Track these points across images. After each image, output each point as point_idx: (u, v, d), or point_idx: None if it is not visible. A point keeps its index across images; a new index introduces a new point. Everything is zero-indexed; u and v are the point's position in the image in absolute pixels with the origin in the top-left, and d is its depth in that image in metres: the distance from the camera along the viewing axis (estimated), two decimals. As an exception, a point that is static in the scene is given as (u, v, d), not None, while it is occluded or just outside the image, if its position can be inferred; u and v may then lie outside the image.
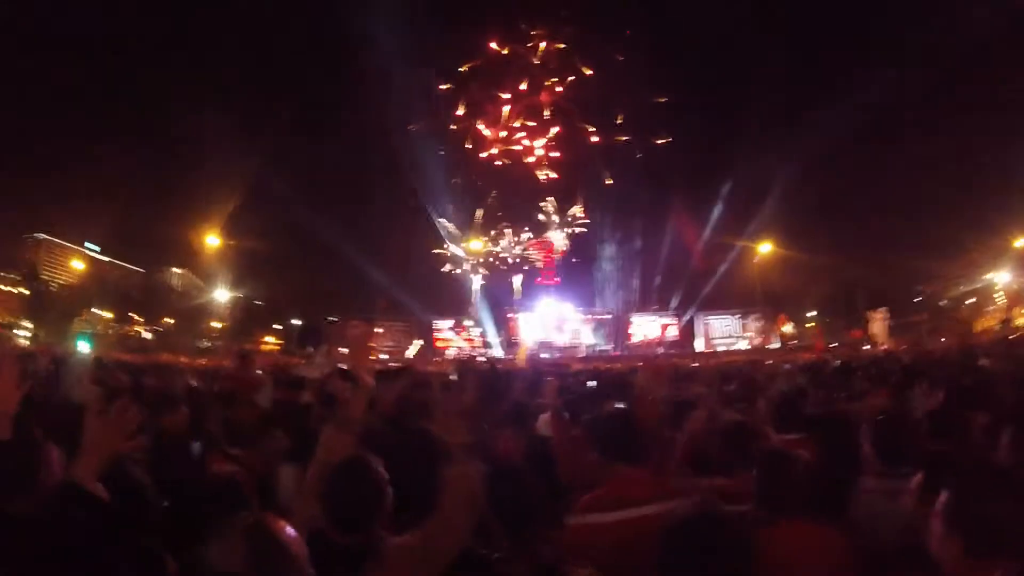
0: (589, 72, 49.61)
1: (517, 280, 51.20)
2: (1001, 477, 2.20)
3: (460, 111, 50.55)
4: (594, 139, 50.43)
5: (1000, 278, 44.24)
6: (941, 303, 48.22)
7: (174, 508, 3.19)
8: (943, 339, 28.35)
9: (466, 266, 50.67)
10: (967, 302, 47.57)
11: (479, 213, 50.14)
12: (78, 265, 64.88)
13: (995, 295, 45.52)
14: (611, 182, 49.54)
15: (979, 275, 45.26)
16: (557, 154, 50.56)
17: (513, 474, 2.80)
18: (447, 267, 50.37)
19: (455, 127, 50.25)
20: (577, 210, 50.85)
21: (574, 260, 51.77)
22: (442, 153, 48.93)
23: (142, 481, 3.41)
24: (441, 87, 49.81)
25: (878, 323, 28.02)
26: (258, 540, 1.87)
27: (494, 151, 50.66)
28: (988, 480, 2.17)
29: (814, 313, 48.73)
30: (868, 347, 21.74)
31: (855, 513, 3.33)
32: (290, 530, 1.93)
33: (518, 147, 51.06)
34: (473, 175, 50.41)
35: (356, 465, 2.61)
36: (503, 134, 50.75)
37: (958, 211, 40.45)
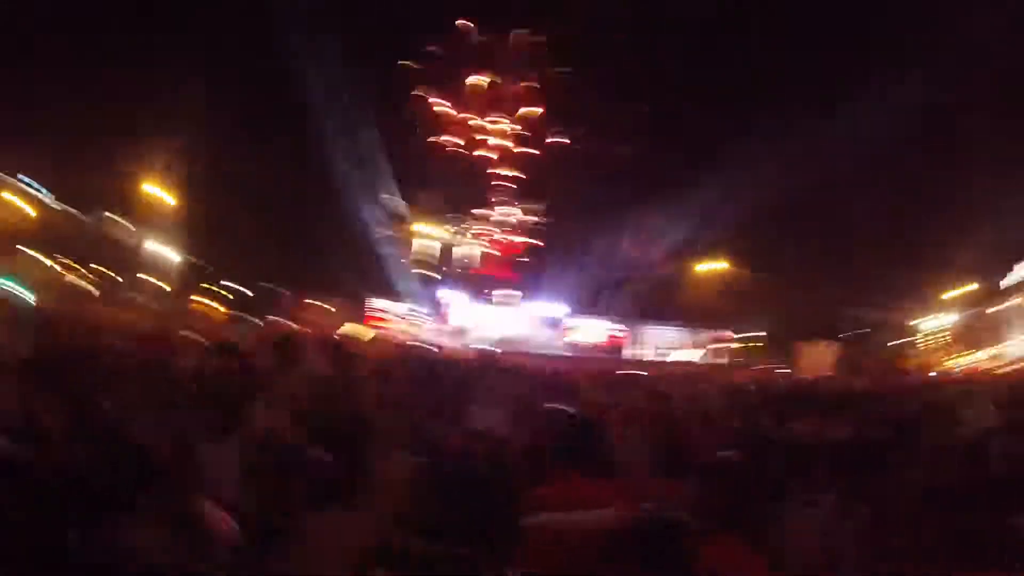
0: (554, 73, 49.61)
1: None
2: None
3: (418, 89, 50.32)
4: (556, 139, 50.57)
5: (926, 325, 45.80)
6: (871, 339, 49.46)
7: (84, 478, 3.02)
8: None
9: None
10: (894, 342, 48.89)
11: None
12: (11, 199, 62.46)
13: (919, 337, 46.96)
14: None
15: (912, 318, 46.76)
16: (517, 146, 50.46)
17: (471, 471, 2.75)
18: (386, 243, 49.97)
19: (414, 107, 49.74)
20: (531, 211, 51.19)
21: (525, 257, 51.81)
22: (408, 126, 48.50)
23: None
24: (404, 62, 49.16)
25: (818, 353, 28.59)
26: (186, 526, 1.77)
27: (453, 139, 50.40)
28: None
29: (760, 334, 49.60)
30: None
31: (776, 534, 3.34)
32: (218, 513, 1.84)
33: (479, 135, 50.90)
34: (430, 155, 50.08)
35: (286, 448, 2.52)
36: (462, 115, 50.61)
37: (904, 252, 41.67)
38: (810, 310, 45.31)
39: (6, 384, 3.98)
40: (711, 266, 47.17)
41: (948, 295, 44.72)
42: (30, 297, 20.74)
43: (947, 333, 45.10)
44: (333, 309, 47.80)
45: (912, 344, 46.97)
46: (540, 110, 51.41)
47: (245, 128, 44.98)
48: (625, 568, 1.94)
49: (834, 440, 4.65)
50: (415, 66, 50.11)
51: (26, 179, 64.72)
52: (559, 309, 49.22)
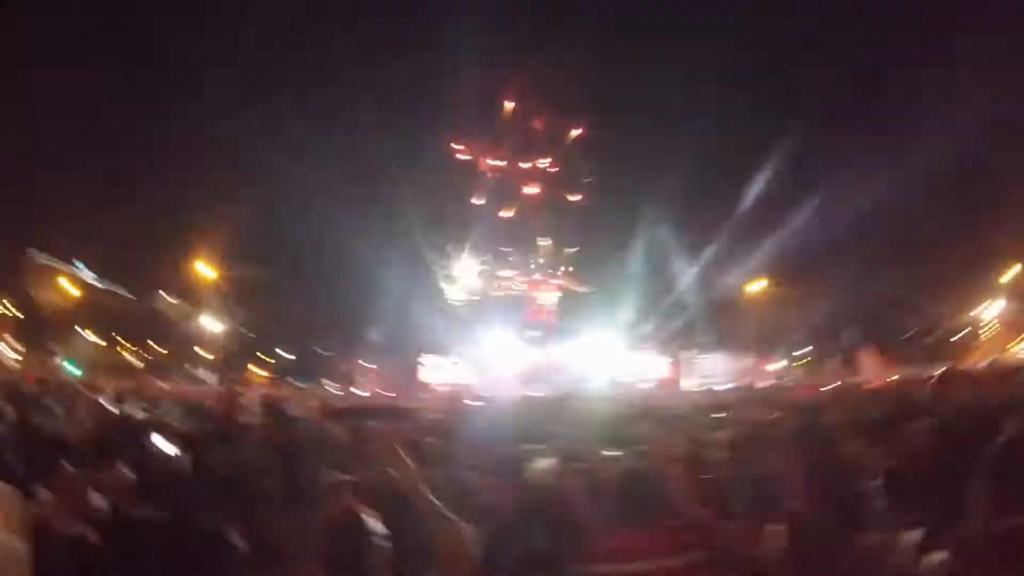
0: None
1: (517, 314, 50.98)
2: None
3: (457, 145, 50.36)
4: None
5: (987, 313, 44.53)
6: (929, 340, 48.33)
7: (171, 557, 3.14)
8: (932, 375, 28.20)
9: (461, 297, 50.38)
10: (957, 337, 47.68)
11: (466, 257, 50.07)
12: (68, 287, 64.40)
13: (982, 330, 45.72)
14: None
15: (969, 310, 45.52)
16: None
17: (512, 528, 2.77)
18: (446, 299, 49.99)
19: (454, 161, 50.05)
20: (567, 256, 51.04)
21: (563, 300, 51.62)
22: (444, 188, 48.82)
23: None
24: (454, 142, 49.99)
25: (867, 361, 28.10)
26: None
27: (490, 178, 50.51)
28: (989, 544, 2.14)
29: (806, 349, 48.69)
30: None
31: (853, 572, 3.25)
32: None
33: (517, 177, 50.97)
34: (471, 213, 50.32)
35: (356, 523, 2.56)
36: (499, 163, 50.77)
37: (948, 245, 40.81)
38: (862, 316, 44.45)
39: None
40: (754, 287, 46.37)
41: (1004, 279, 43.47)
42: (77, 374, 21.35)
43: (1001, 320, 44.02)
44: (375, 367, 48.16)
45: (975, 335, 45.85)
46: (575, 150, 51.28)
47: (288, 192, 45.95)
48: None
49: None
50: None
51: (80, 264, 67.02)
52: (608, 347, 48.83)
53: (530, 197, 51.25)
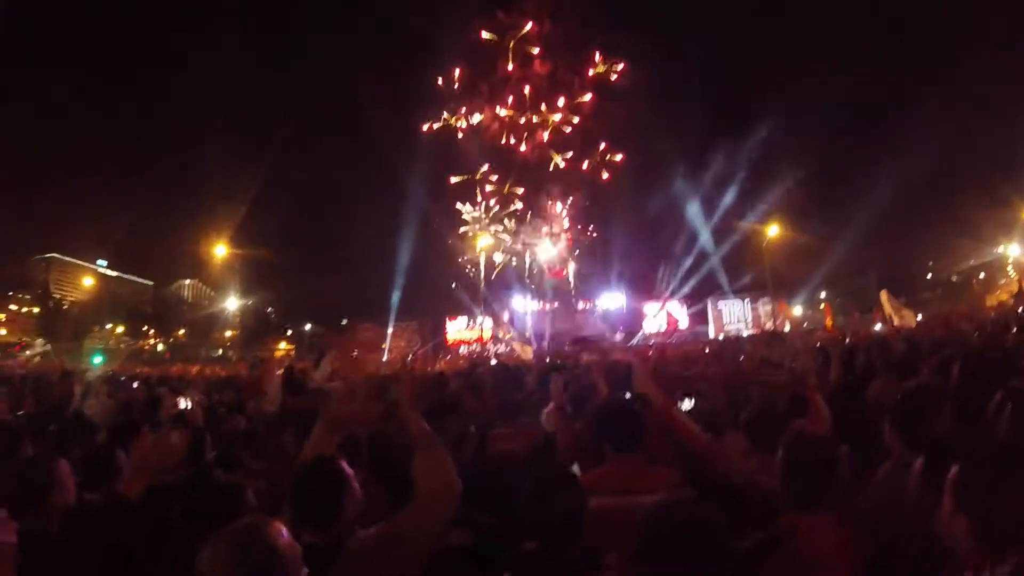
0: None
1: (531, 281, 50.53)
2: (1014, 454, 2.15)
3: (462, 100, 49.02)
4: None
5: (1011, 251, 43.88)
6: (952, 279, 47.99)
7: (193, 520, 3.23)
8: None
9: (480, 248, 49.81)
10: (978, 276, 47.31)
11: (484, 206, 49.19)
12: (89, 282, 65.32)
13: (1007, 268, 45.21)
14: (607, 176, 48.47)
15: (989, 249, 44.94)
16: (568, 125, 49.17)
17: (544, 471, 2.81)
18: (463, 257, 49.52)
19: (460, 119, 48.99)
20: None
21: (580, 254, 51.00)
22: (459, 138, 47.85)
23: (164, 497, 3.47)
24: (444, 79, 48.46)
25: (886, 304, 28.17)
26: (247, 543, 1.88)
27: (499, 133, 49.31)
28: (1000, 457, 2.13)
29: (824, 295, 48.50)
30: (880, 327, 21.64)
31: (870, 502, 3.25)
32: (284, 532, 1.94)
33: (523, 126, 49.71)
34: (481, 161, 49.12)
35: (321, 464, 2.69)
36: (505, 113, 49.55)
37: (966, 185, 40.35)
38: (881, 260, 44.14)
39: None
40: (771, 231, 45.99)
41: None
42: (99, 363, 21.73)
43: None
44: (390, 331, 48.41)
45: (1002, 274, 45.48)
46: (588, 97, 49.76)
47: (300, 166, 46.13)
48: (658, 555, 1.94)
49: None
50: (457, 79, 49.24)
51: (102, 262, 67.91)
52: (618, 299, 48.72)
53: (543, 146, 49.89)
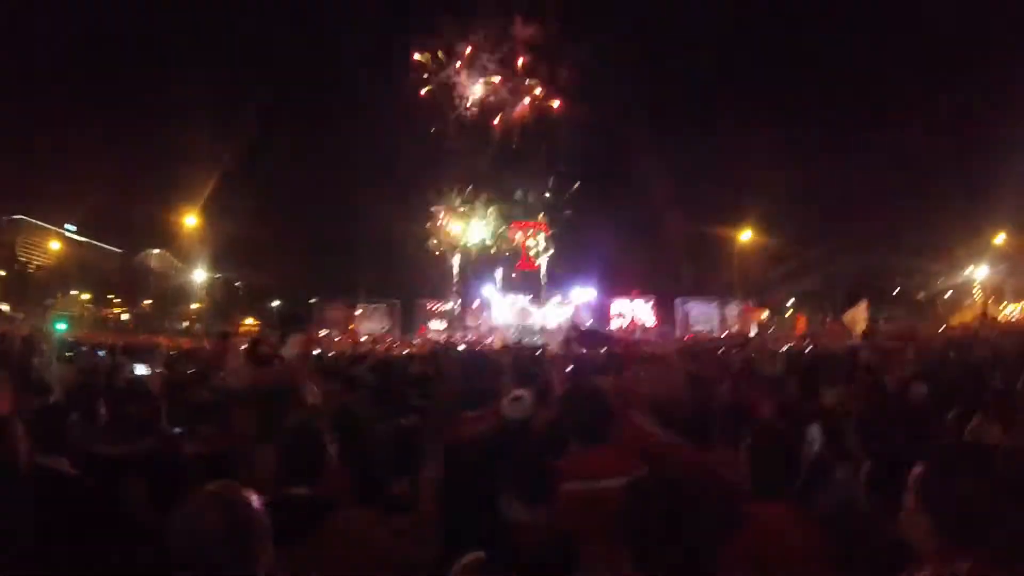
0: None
1: (498, 272, 50.34)
2: (976, 454, 2.19)
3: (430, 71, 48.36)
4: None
5: (979, 273, 44.63)
6: (918, 297, 48.63)
7: (150, 489, 3.24)
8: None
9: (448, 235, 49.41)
10: (944, 297, 47.99)
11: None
12: (56, 247, 64.14)
13: (973, 291, 45.94)
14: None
15: (957, 271, 45.63)
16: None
17: (523, 444, 2.85)
18: (432, 241, 49.26)
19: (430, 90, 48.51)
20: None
21: (552, 246, 50.94)
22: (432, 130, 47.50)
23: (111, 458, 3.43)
24: (417, 55, 47.90)
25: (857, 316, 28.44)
26: (222, 504, 1.88)
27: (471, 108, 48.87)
28: (962, 455, 2.16)
29: (792, 302, 49.00)
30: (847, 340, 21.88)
31: (827, 501, 3.31)
32: (255, 499, 1.95)
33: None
34: (452, 139, 48.61)
35: (305, 425, 2.98)
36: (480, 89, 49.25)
37: (938, 206, 40.83)
38: (849, 274, 44.53)
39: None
40: (744, 236, 46.25)
41: (995, 241, 43.53)
42: (62, 330, 21.49)
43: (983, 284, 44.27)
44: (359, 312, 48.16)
45: (968, 295, 46.21)
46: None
47: (274, 139, 45.53)
48: (647, 524, 1.96)
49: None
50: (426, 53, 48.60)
51: (70, 227, 66.70)
52: (586, 295, 48.92)
53: (517, 122, 49.41)
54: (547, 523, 2.45)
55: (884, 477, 2.32)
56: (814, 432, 3.45)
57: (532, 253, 50.32)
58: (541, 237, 50.34)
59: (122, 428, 4.14)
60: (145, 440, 3.94)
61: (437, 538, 3.01)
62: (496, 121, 48.84)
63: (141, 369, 6.91)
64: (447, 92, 48.18)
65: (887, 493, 2.33)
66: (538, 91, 48.63)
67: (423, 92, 47.58)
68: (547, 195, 49.79)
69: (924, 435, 3.65)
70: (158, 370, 7.71)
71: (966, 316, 41.38)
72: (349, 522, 2.48)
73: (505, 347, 16.89)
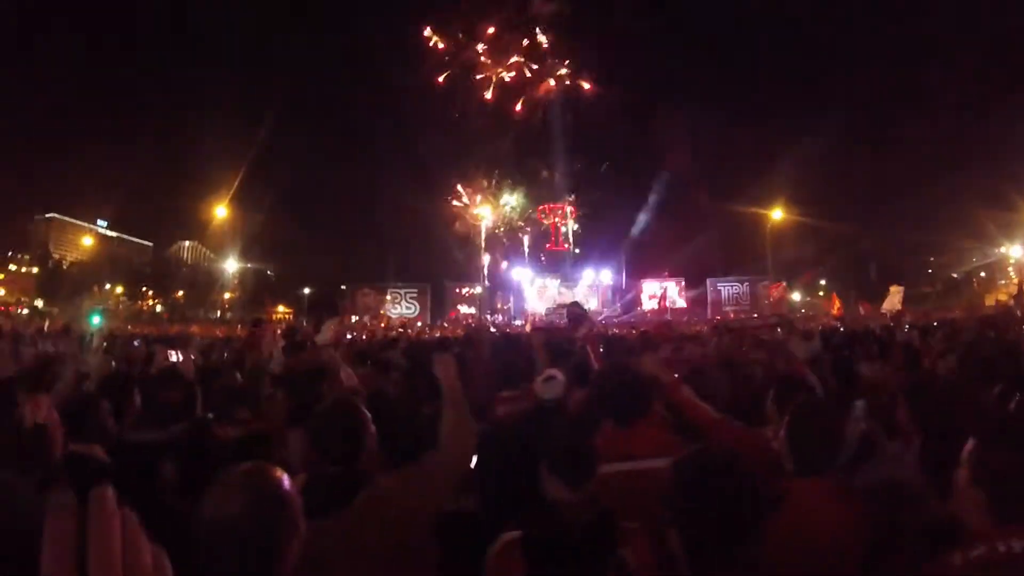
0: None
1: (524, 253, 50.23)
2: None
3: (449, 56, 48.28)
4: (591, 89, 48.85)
5: (1013, 251, 43.82)
6: (953, 275, 48.00)
7: (182, 474, 3.25)
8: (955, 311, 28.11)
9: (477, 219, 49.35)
10: (979, 275, 47.31)
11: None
12: (88, 242, 65.26)
13: (1008, 268, 45.20)
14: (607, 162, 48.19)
15: (991, 249, 44.87)
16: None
17: (568, 419, 2.83)
18: (457, 224, 49.28)
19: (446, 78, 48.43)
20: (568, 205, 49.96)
21: (580, 228, 50.77)
22: (457, 115, 47.44)
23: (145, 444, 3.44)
24: (434, 38, 47.87)
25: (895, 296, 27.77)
26: (254, 485, 1.86)
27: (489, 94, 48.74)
28: (1016, 430, 2.10)
29: (824, 283, 48.45)
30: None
31: (874, 478, 3.24)
32: (287, 480, 1.93)
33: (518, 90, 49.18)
34: (478, 126, 48.33)
35: (342, 402, 2.92)
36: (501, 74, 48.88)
37: (972, 185, 40.19)
38: (883, 253, 44.01)
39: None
40: (775, 215, 45.69)
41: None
42: (97, 324, 21.88)
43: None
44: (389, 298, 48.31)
45: (1002, 273, 45.52)
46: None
47: (300, 129, 45.88)
48: (695, 501, 1.93)
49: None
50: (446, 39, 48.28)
51: (102, 222, 67.84)
52: (609, 277, 48.79)
53: (541, 102, 49.25)
54: (588, 501, 2.41)
55: (936, 453, 2.24)
56: (860, 408, 3.37)
57: (563, 232, 50.22)
58: (570, 219, 50.25)
59: (155, 415, 4.17)
60: (176, 425, 3.96)
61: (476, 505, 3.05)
62: (519, 102, 48.68)
63: (175, 357, 6.97)
64: (469, 75, 48.11)
65: (939, 469, 2.25)
66: (562, 71, 48.32)
67: (441, 79, 47.41)
68: (574, 176, 49.59)
69: (972, 411, 3.55)
70: (192, 355, 7.77)
71: (1001, 295, 40.79)
72: (381, 488, 2.48)
73: (537, 328, 16.88)
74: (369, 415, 2.84)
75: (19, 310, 46.92)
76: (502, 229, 49.89)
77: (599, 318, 38.35)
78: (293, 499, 1.89)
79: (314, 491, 2.13)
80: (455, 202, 48.80)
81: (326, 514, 2.20)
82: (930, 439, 2.90)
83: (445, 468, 2.55)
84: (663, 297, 45.60)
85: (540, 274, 49.21)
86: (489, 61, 48.11)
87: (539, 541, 2.37)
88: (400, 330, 27.01)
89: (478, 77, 48.16)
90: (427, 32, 47.13)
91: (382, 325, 34.11)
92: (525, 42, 48.11)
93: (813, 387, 4.12)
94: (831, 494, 2.65)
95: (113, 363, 7.97)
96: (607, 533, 2.33)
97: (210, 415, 4.20)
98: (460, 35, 47.60)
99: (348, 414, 2.81)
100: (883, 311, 21.02)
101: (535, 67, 48.57)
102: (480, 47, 47.92)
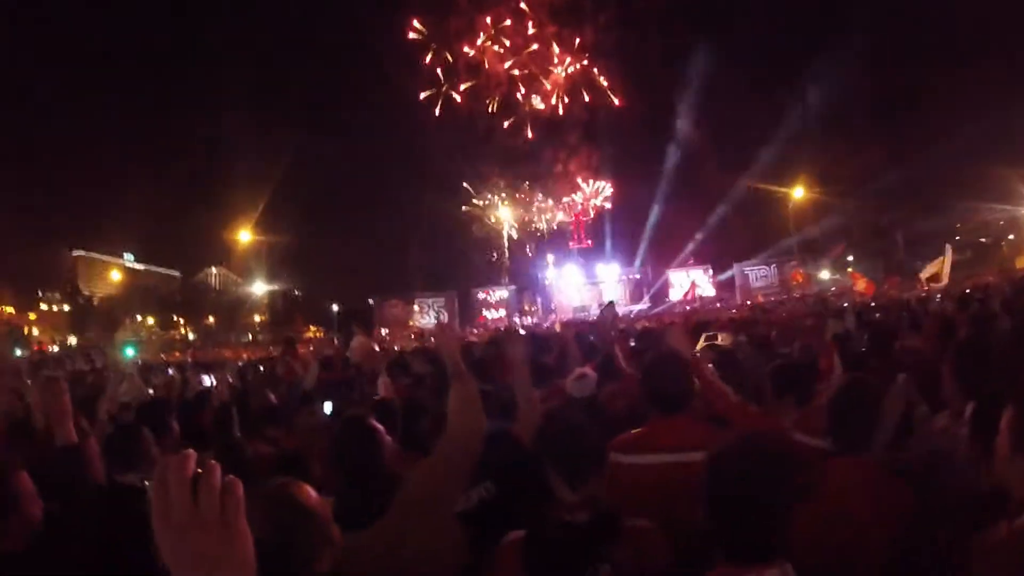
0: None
1: (549, 256, 50.10)
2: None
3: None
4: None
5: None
6: (981, 240, 47.26)
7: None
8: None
9: (496, 222, 49.30)
10: (1007, 238, 46.55)
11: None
12: (117, 276, 66.26)
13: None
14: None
15: (1018, 210, 44.12)
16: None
17: (569, 420, 2.80)
18: (475, 227, 49.22)
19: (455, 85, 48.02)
20: (604, 186, 49.56)
21: (604, 219, 50.52)
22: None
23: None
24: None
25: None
26: (277, 503, 1.88)
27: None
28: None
29: (852, 258, 47.84)
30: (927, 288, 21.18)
31: (919, 452, 3.19)
32: (313, 494, 1.94)
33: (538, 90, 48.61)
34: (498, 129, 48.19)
35: (351, 422, 2.96)
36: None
37: (993, 147, 39.53)
38: (913, 224, 43.37)
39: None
40: (796, 193, 45.01)
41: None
42: (131, 355, 22.22)
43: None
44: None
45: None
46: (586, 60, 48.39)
47: (316, 149, 46.20)
48: (734, 488, 1.90)
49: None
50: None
51: (129, 256, 68.91)
52: (645, 268, 48.56)
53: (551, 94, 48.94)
54: (591, 500, 2.39)
55: (988, 421, 2.19)
56: (901, 383, 3.31)
57: (587, 226, 50.05)
58: (592, 212, 50.13)
59: (192, 439, 4.22)
60: (209, 448, 4.00)
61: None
62: (523, 94, 48.46)
63: (208, 382, 7.06)
64: (478, 72, 48.02)
65: (988, 439, 2.20)
66: (568, 62, 48.09)
67: (422, 98, 47.15)
68: (591, 170, 49.46)
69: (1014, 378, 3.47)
70: (229, 379, 7.87)
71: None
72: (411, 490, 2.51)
73: (565, 325, 16.86)
74: (380, 427, 2.87)
75: (52, 347, 47.63)
76: (517, 229, 49.87)
77: (628, 313, 38.21)
78: (321, 513, 1.91)
79: (346, 506, 2.15)
80: (475, 200, 48.71)
81: (363, 526, 2.26)
82: (981, 407, 2.83)
83: (455, 452, 2.61)
84: (692, 286, 45.18)
85: (565, 272, 49.06)
86: (502, 50, 47.86)
87: (538, 541, 2.36)
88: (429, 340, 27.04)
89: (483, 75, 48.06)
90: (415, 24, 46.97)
91: (411, 336, 34.17)
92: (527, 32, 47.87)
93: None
94: (869, 472, 2.61)
95: (151, 391, 8.09)
96: (605, 535, 2.30)
97: (237, 434, 4.25)
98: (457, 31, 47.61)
99: (359, 431, 2.85)
100: (930, 277, 20.66)
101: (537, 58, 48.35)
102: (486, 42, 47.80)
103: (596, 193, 49.90)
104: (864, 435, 2.76)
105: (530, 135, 48.01)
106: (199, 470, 0.97)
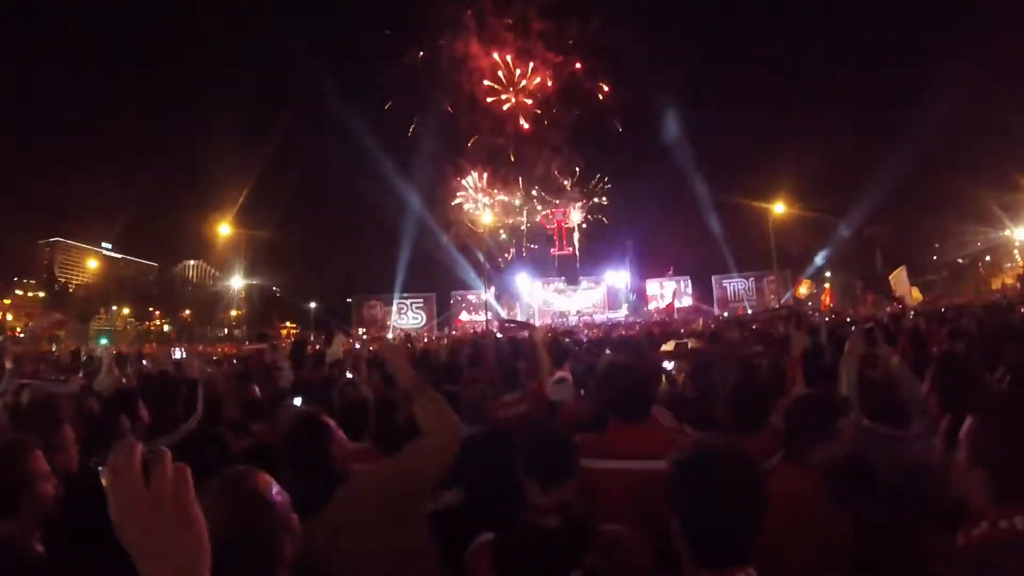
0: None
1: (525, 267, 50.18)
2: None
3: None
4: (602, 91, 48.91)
5: (1018, 234, 43.68)
6: (959, 261, 47.83)
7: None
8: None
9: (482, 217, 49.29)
10: (984, 259, 47.14)
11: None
12: (93, 265, 65.56)
13: (1013, 251, 45.08)
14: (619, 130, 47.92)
15: (995, 232, 44.74)
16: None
17: (541, 426, 2.85)
18: (455, 230, 49.20)
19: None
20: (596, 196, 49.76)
21: (586, 227, 50.75)
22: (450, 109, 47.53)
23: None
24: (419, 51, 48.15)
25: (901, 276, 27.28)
26: (233, 491, 1.90)
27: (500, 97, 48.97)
28: (1012, 407, 2.10)
29: (829, 274, 48.27)
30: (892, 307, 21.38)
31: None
32: (271, 481, 1.96)
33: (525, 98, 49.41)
34: (483, 128, 48.81)
35: (306, 418, 3.00)
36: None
37: (975, 168, 40.06)
38: (892, 243, 43.82)
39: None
40: (777, 208, 45.41)
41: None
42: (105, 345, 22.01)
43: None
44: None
45: (1007, 257, 45.34)
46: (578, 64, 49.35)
47: (298, 145, 45.94)
48: (698, 491, 1.94)
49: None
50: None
51: (106, 245, 68.17)
52: (621, 278, 48.77)
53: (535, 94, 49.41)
54: (563, 504, 2.42)
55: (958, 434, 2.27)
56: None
57: (569, 233, 50.19)
58: (575, 220, 50.28)
59: (162, 426, 4.27)
60: (173, 435, 4.06)
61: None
62: (510, 94, 48.65)
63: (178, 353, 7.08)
64: (461, 69, 48.15)
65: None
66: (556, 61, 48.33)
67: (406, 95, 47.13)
68: (575, 176, 49.68)
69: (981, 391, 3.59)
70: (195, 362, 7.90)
71: (1007, 278, 40.65)
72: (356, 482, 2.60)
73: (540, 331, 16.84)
74: (332, 424, 2.92)
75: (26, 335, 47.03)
76: (496, 227, 49.96)
77: (606, 321, 38.38)
78: (280, 501, 1.92)
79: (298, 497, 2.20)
80: (456, 202, 48.78)
81: (310, 515, 2.30)
82: (956, 420, 2.93)
83: (427, 454, 2.64)
84: (674, 295, 45.48)
85: (546, 278, 49.17)
86: (478, 50, 48.15)
87: (508, 544, 2.39)
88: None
89: (468, 69, 48.29)
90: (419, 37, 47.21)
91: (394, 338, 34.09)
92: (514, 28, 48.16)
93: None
94: (816, 480, 2.68)
95: (124, 380, 8.08)
96: (575, 539, 2.33)
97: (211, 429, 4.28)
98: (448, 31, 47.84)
99: (308, 427, 2.90)
100: (897, 296, 20.93)
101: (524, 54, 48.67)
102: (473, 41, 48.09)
103: (580, 199, 50.12)
104: (811, 446, 2.84)
105: (517, 132, 48.28)
106: (151, 454, 1.02)
